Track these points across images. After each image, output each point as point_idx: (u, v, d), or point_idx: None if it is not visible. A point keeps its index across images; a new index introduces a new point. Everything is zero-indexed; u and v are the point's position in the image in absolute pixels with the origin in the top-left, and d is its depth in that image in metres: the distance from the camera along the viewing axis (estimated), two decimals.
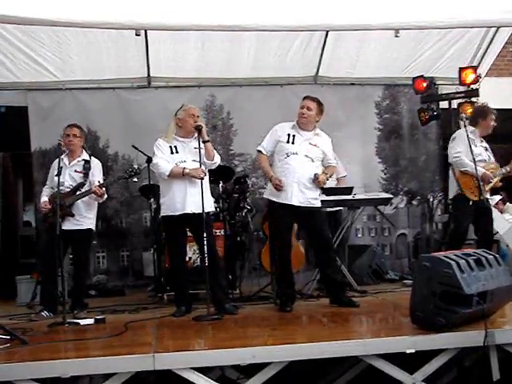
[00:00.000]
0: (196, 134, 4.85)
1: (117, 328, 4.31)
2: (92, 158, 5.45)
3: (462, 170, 5.48)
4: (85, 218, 5.30)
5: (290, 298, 5.06)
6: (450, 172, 5.69)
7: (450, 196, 5.75)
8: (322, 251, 5.12)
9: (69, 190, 5.23)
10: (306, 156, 4.98)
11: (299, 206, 4.94)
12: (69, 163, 5.32)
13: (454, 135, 5.70)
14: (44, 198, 5.35)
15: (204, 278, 4.60)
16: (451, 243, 5.55)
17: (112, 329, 4.37)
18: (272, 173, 5.01)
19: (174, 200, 4.87)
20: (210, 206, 5.00)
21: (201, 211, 4.63)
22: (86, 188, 5.25)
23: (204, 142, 4.82)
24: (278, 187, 4.90)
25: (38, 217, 5.77)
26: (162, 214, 5.02)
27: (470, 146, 5.31)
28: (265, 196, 5.23)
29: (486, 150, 5.67)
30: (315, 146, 5.04)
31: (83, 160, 5.37)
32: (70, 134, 5.32)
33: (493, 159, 5.69)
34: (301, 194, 4.94)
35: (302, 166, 4.96)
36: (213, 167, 5.00)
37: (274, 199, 5.02)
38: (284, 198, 4.95)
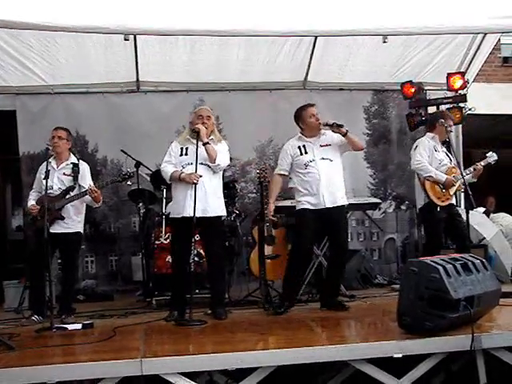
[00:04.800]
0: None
1: (105, 333, 4.29)
2: (80, 161, 5.43)
3: (426, 175, 5.53)
4: (74, 221, 5.27)
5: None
6: (416, 181, 5.71)
7: (418, 206, 5.75)
8: (338, 253, 5.19)
9: (58, 193, 5.20)
10: (323, 159, 5.10)
11: (332, 207, 5.04)
12: (57, 166, 5.29)
13: (415, 143, 5.77)
14: (31, 202, 5.32)
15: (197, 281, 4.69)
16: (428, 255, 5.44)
17: (100, 334, 4.36)
18: (272, 202, 5.20)
19: (177, 203, 4.94)
20: (218, 210, 4.99)
21: (204, 215, 4.78)
22: (75, 191, 5.22)
23: (203, 144, 4.82)
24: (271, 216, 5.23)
25: (25, 220, 5.73)
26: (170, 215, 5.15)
27: (435, 151, 5.49)
28: (298, 208, 5.16)
29: (447, 154, 5.73)
30: (326, 145, 5.15)
31: (71, 163, 5.34)
32: (55, 136, 5.29)
33: (454, 161, 5.72)
34: (331, 196, 5.05)
35: (324, 169, 5.07)
36: (218, 170, 4.97)
37: (308, 207, 5.07)
38: (318, 204, 5.03)
